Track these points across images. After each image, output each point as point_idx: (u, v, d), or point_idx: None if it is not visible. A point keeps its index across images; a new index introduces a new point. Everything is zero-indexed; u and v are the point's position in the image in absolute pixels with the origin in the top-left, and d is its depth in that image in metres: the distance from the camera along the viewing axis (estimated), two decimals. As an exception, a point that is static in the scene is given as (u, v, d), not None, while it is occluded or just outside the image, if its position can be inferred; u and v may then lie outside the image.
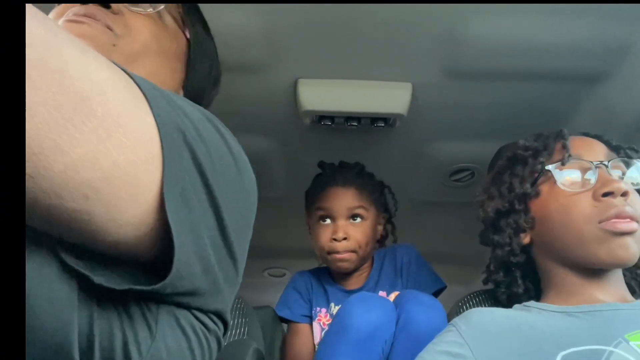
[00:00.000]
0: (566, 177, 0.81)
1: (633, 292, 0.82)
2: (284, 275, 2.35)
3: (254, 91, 1.21)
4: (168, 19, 0.67)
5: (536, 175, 0.84)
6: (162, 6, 0.66)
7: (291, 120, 1.29)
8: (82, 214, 0.33)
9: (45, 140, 0.30)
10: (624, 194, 0.75)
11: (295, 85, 1.18)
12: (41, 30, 0.31)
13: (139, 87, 0.38)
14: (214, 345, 0.48)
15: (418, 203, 1.67)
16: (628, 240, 0.74)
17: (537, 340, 0.69)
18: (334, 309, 1.25)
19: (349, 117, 1.24)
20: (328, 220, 1.27)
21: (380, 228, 1.32)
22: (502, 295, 0.90)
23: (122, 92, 0.36)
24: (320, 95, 1.19)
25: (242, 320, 0.87)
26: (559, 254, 0.81)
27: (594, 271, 0.78)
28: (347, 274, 1.29)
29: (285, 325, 1.32)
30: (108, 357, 0.37)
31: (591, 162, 0.80)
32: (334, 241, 1.24)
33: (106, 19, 0.59)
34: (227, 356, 0.76)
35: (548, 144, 0.86)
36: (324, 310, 1.27)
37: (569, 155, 0.81)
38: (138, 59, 0.60)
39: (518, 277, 0.88)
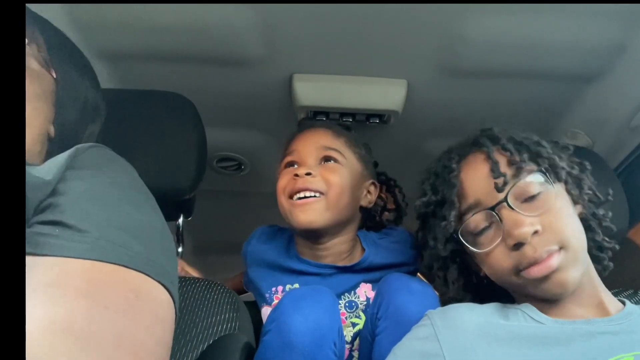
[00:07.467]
0: (474, 238, 0.76)
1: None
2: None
3: (249, 86, 1.21)
4: (32, 63, 0.66)
5: (446, 238, 0.81)
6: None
7: (286, 116, 1.29)
8: None
9: None
10: (535, 232, 0.70)
11: (290, 81, 1.18)
12: None
13: None
14: None
15: (411, 200, 1.67)
16: (556, 276, 0.70)
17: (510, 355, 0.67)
18: None
19: (344, 113, 1.24)
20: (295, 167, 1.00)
21: (366, 190, 1.06)
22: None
23: None
24: (316, 90, 1.18)
25: (233, 315, 0.86)
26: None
27: None
28: (316, 239, 0.99)
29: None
30: None
31: (490, 209, 0.74)
32: (295, 178, 0.96)
33: None
34: (218, 350, 0.76)
35: (444, 195, 0.81)
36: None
37: (465, 214, 0.77)
38: None
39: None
